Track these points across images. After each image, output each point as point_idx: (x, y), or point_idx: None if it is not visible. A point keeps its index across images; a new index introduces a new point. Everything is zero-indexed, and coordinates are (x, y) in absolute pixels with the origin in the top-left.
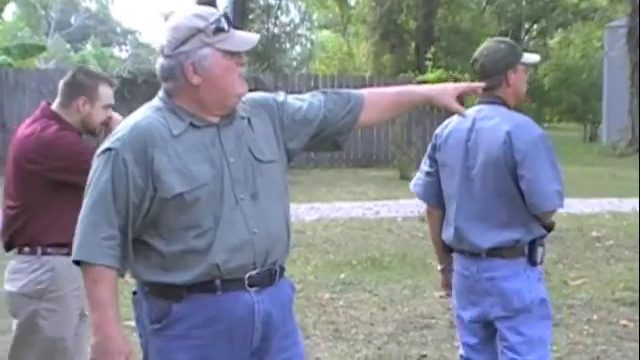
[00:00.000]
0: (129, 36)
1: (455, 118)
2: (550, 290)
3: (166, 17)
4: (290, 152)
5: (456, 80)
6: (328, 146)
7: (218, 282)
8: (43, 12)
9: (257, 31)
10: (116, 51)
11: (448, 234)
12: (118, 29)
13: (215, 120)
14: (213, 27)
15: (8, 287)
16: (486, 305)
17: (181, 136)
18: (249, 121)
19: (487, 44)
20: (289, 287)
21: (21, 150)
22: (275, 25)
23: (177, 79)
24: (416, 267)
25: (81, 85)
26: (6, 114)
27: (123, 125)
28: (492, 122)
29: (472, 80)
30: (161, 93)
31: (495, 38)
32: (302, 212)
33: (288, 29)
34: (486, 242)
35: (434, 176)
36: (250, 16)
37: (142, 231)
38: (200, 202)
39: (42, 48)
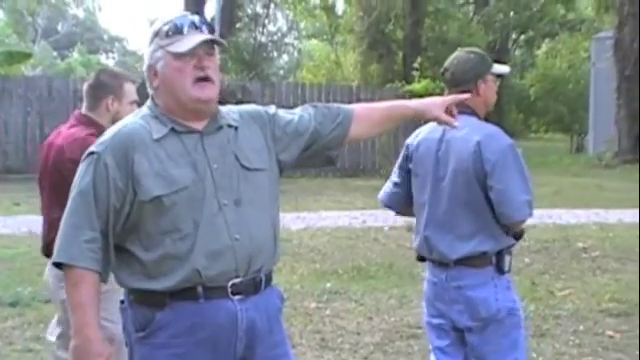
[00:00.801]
0: (116, 43)
1: (425, 128)
2: (536, 301)
3: (152, 23)
4: (282, 164)
5: (442, 90)
6: (321, 161)
7: (200, 289)
8: (30, 19)
9: (244, 40)
10: (103, 58)
11: (418, 243)
12: (105, 36)
13: (198, 127)
14: (165, 29)
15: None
16: (454, 312)
17: (162, 140)
18: (237, 130)
19: (457, 54)
20: (277, 297)
21: (63, 155)
22: (262, 34)
23: (148, 84)
24: (403, 277)
25: (106, 85)
26: None
27: (108, 131)
28: (462, 132)
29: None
30: (149, 100)
31: (465, 48)
32: (288, 221)
33: (276, 38)
34: (454, 253)
35: (401, 187)
36: (237, 25)
37: (124, 238)
38: (179, 206)
39: (28, 55)
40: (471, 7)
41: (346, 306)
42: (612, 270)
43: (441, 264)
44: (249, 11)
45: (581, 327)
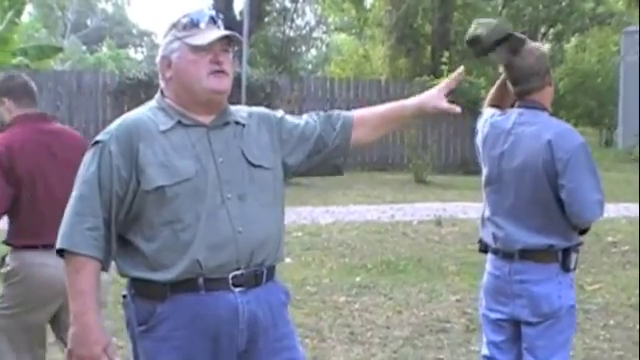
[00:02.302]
0: (145, 38)
1: (494, 112)
2: None
3: None
4: (287, 167)
5: (471, 84)
6: (328, 171)
7: (201, 281)
8: (60, 13)
9: (273, 34)
10: (132, 53)
11: (483, 230)
12: (134, 31)
13: (205, 121)
14: (184, 22)
15: None
16: (516, 306)
17: (168, 132)
18: (244, 127)
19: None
20: (282, 292)
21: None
22: (291, 28)
23: (160, 74)
24: (432, 271)
25: None
26: None
27: (115, 121)
28: (532, 128)
29: (491, 85)
30: (158, 93)
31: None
32: (317, 215)
33: (304, 32)
34: (519, 242)
35: None
36: (266, 19)
37: (126, 228)
38: (181, 197)
39: (58, 49)
40: (500, 0)
41: (375, 300)
42: None
43: (505, 255)
44: (277, 5)
45: (611, 321)
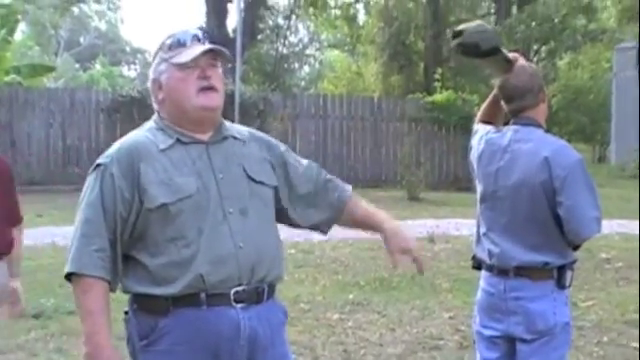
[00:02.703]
0: (138, 55)
1: (489, 129)
2: None
3: None
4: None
5: (464, 100)
6: (307, 227)
7: (203, 296)
8: (53, 32)
9: (266, 51)
10: (125, 70)
11: (479, 248)
12: (127, 48)
13: (204, 138)
14: (169, 42)
15: None
16: (510, 323)
17: (167, 151)
18: (244, 143)
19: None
20: (280, 311)
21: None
22: (284, 45)
23: (154, 98)
24: (425, 288)
25: None
26: (15, 133)
27: (114, 144)
28: (529, 145)
29: (483, 102)
30: (155, 114)
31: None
32: (310, 232)
33: (297, 49)
34: (515, 259)
35: None
36: (259, 36)
37: (131, 246)
38: (184, 213)
39: (51, 68)
40: (492, 18)
41: (369, 317)
42: (636, 281)
43: (500, 272)
44: (270, 22)
45: (605, 338)
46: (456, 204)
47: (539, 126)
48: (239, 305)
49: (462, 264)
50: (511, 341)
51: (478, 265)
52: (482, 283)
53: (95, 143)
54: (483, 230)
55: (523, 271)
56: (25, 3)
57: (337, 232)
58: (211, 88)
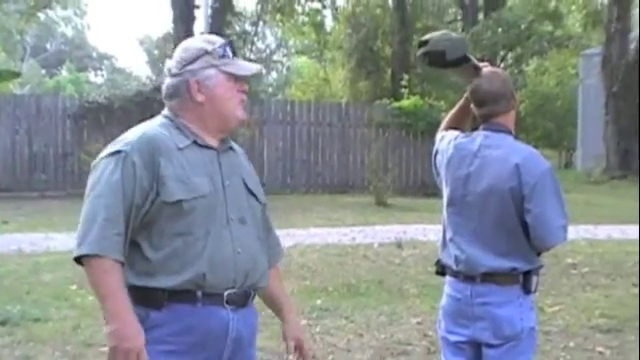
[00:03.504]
0: (105, 61)
1: (457, 134)
2: None
3: (141, 42)
4: None
5: (431, 106)
6: None
7: (200, 294)
8: (19, 37)
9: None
10: (92, 76)
11: (444, 253)
12: (94, 54)
13: (215, 144)
14: (220, 51)
15: None
16: (477, 329)
17: (185, 150)
18: (240, 158)
19: (487, 71)
20: (256, 315)
21: None
22: (251, 51)
23: (182, 96)
24: (392, 293)
25: None
26: None
27: (130, 133)
28: (499, 152)
29: (450, 108)
30: (166, 111)
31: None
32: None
33: (264, 55)
34: (482, 265)
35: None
36: None
37: (135, 233)
38: (196, 212)
39: (17, 74)
40: (459, 24)
41: (336, 323)
42: (602, 286)
43: (466, 278)
44: (238, 29)
45: (571, 343)
46: (423, 210)
47: (509, 132)
48: (230, 307)
49: (430, 269)
50: (477, 346)
51: (442, 271)
52: (447, 289)
53: (62, 149)
54: (449, 235)
55: (490, 277)
56: None
57: (305, 238)
58: (242, 101)
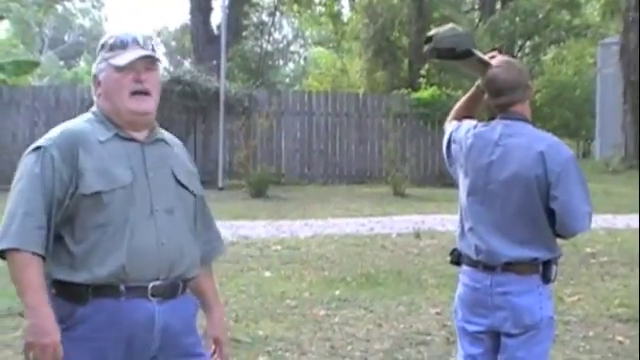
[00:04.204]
0: None
1: (475, 123)
2: None
3: (159, 33)
4: None
5: (449, 97)
6: None
7: (123, 288)
8: (37, 29)
9: (251, 48)
10: None
11: (463, 244)
12: None
13: (139, 137)
14: (110, 42)
15: None
16: (496, 318)
17: (106, 143)
18: (172, 148)
19: (502, 60)
20: (193, 304)
21: None
22: (268, 42)
23: (93, 91)
24: (411, 283)
25: None
26: (0, 130)
27: (54, 129)
28: (522, 140)
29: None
30: (94, 107)
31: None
32: (296, 228)
33: (281, 46)
34: (504, 256)
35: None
36: (244, 33)
37: (58, 229)
38: (115, 203)
39: (36, 64)
40: (477, 14)
41: (355, 313)
42: (621, 275)
43: (486, 268)
44: (255, 19)
45: (591, 333)
46: (441, 199)
47: (528, 121)
48: (155, 299)
49: (448, 259)
50: (495, 336)
51: (457, 260)
52: (463, 278)
53: None
54: (469, 225)
55: (510, 266)
56: (9, 1)
57: (323, 228)
58: (144, 92)
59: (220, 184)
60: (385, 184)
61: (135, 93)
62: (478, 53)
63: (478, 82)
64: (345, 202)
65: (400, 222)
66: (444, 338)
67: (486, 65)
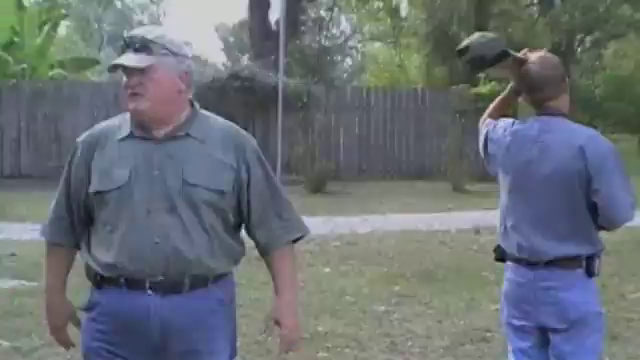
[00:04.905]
0: None
1: (512, 121)
2: (607, 303)
3: (217, 29)
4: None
5: (509, 92)
6: None
7: (122, 280)
8: (96, 26)
9: (309, 44)
10: None
11: (505, 241)
12: None
13: (157, 134)
14: (121, 45)
15: None
16: (541, 314)
17: (122, 141)
18: (202, 144)
19: (538, 56)
20: (212, 299)
21: None
22: (326, 37)
23: None
24: (471, 280)
25: None
26: (60, 127)
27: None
28: (560, 135)
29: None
30: None
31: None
32: (355, 224)
33: (339, 41)
34: (547, 253)
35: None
36: (302, 28)
37: (91, 219)
38: (113, 202)
39: (95, 61)
40: (536, 8)
41: (415, 309)
42: None
43: (529, 264)
44: (313, 15)
45: None
46: None
47: (565, 116)
48: (155, 293)
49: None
50: (542, 331)
51: (501, 257)
52: (508, 274)
53: None
54: (511, 222)
55: (553, 262)
56: None
57: (382, 224)
58: (134, 94)
59: (278, 180)
60: (444, 180)
61: (130, 95)
62: (512, 53)
63: (512, 84)
64: (404, 198)
65: (459, 218)
66: (504, 335)
67: (522, 63)
